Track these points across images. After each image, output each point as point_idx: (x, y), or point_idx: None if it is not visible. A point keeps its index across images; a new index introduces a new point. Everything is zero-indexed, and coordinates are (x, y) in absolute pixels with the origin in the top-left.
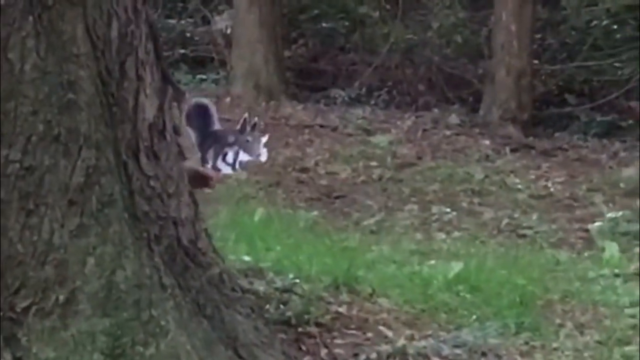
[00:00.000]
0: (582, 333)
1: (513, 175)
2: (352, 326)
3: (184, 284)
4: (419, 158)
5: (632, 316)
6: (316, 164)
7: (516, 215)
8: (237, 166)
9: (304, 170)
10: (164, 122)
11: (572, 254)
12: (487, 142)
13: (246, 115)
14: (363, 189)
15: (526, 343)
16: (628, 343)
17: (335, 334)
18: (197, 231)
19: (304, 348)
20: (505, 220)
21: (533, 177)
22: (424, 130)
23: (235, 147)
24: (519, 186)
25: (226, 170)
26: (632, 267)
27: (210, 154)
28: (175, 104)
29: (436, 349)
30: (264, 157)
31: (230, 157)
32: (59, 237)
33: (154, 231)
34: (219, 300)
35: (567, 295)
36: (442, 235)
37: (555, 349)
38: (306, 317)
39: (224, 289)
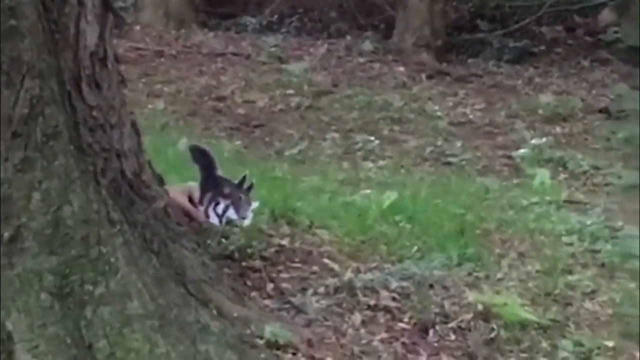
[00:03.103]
0: (523, 263)
1: (431, 102)
2: (296, 259)
3: (130, 219)
4: (335, 86)
5: (570, 244)
6: (232, 92)
7: (439, 143)
8: (223, 220)
9: (221, 99)
10: (105, 50)
11: (500, 182)
12: (402, 68)
13: (247, 172)
14: (282, 117)
15: (470, 274)
16: (570, 272)
17: (280, 267)
18: (141, 163)
19: (249, 283)
20: (429, 148)
21: (451, 104)
22: (338, 57)
23: (228, 201)
24: (438, 113)
25: (214, 220)
26: (563, 194)
27: (207, 197)
28: (116, 31)
29: (383, 282)
30: (247, 222)
31: (220, 209)
32: (3, 172)
33: (99, 164)
34: (165, 235)
35: (502, 224)
36: (369, 164)
37: (500, 280)
38: (249, 250)
39: (170, 223)
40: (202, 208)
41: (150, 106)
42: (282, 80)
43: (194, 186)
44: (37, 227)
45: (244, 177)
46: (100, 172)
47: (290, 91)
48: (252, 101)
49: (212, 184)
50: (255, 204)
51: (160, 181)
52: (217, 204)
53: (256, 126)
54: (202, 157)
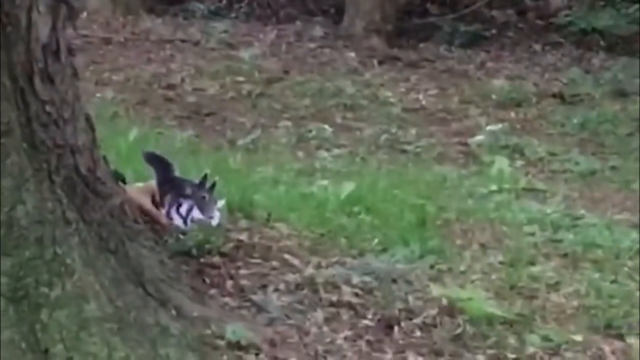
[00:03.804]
0: (485, 254)
1: (383, 88)
2: (256, 255)
3: (86, 217)
4: (286, 72)
5: (531, 234)
6: (182, 80)
7: (393, 130)
8: (188, 221)
9: (170, 87)
10: (57, 43)
11: (457, 170)
12: (353, 54)
13: (208, 171)
14: (233, 105)
15: (432, 267)
16: (533, 263)
17: (240, 263)
18: (96, 159)
19: (208, 280)
20: (383, 136)
21: (403, 89)
22: (288, 43)
23: (191, 201)
24: (391, 100)
25: (178, 221)
26: (522, 182)
27: (167, 198)
28: (69, 22)
29: (345, 277)
30: (215, 221)
31: (183, 210)
32: None
33: (53, 161)
34: (122, 233)
35: (462, 213)
36: (323, 153)
37: (463, 272)
38: (207, 246)
39: (126, 220)
40: (163, 211)
41: (98, 95)
42: (233, 67)
43: (153, 186)
44: None
45: (205, 176)
46: (55, 170)
47: (241, 78)
48: (203, 89)
49: (170, 185)
50: (221, 202)
51: (121, 179)
52: (180, 205)
53: (207, 114)
54: (155, 160)
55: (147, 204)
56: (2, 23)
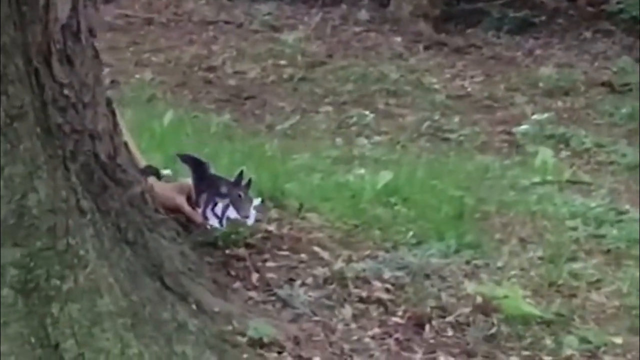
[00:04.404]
0: (525, 249)
1: (428, 74)
2: (284, 247)
3: (103, 206)
4: (330, 56)
5: (574, 228)
6: (223, 62)
7: (436, 118)
8: (224, 221)
9: (211, 69)
10: (78, 23)
11: (500, 160)
12: (399, 39)
13: (244, 168)
14: (273, 89)
15: (468, 262)
16: (574, 259)
17: (267, 256)
18: (116, 145)
19: (233, 273)
20: (426, 123)
21: (449, 76)
22: (333, 26)
23: (226, 200)
24: (436, 86)
25: (213, 221)
26: (566, 174)
27: (203, 198)
28: (91, 2)
29: (376, 272)
30: (251, 220)
31: (219, 210)
32: None
33: (69, 147)
34: (142, 223)
35: (503, 206)
36: (363, 140)
37: (500, 268)
38: (233, 237)
39: (147, 210)
40: (199, 210)
41: (137, 76)
42: (275, 50)
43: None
44: None
45: (241, 173)
46: (70, 156)
47: (283, 61)
48: (244, 72)
49: (206, 184)
50: (257, 201)
51: (155, 174)
52: (215, 204)
53: (247, 98)
54: (191, 160)
55: (183, 203)
56: (17, 2)
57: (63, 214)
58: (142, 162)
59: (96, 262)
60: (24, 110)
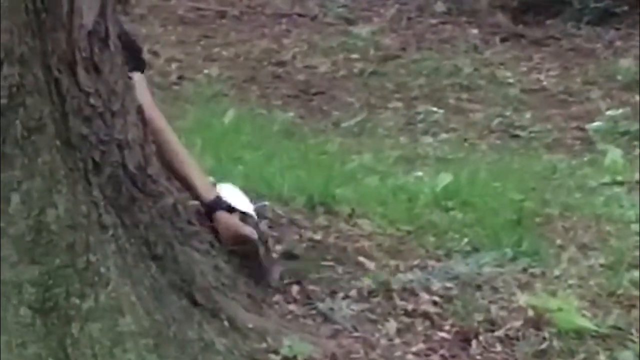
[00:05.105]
0: (586, 256)
1: (503, 67)
2: (329, 257)
3: (129, 220)
4: (403, 49)
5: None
6: (293, 56)
7: (508, 113)
8: None
9: (280, 63)
10: (106, 29)
11: (569, 159)
12: (475, 31)
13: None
14: (343, 84)
15: (524, 270)
16: (637, 266)
17: (310, 266)
18: (147, 155)
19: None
20: (497, 119)
21: (524, 69)
22: (409, 18)
23: None
24: (510, 80)
25: None
26: (636, 175)
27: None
28: (119, 6)
29: (424, 283)
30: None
31: None
32: None
33: (95, 158)
34: (172, 236)
35: (567, 209)
36: (429, 139)
37: (557, 277)
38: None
39: (179, 222)
40: None
41: (205, 71)
42: (347, 44)
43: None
44: (16, 233)
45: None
46: (93, 169)
47: (355, 55)
48: (314, 66)
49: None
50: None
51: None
52: None
53: (315, 94)
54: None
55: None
56: (35, 10)
57: (83, 229)
58: (210, 189)
59: (118, 280)
60: (42, 122)
